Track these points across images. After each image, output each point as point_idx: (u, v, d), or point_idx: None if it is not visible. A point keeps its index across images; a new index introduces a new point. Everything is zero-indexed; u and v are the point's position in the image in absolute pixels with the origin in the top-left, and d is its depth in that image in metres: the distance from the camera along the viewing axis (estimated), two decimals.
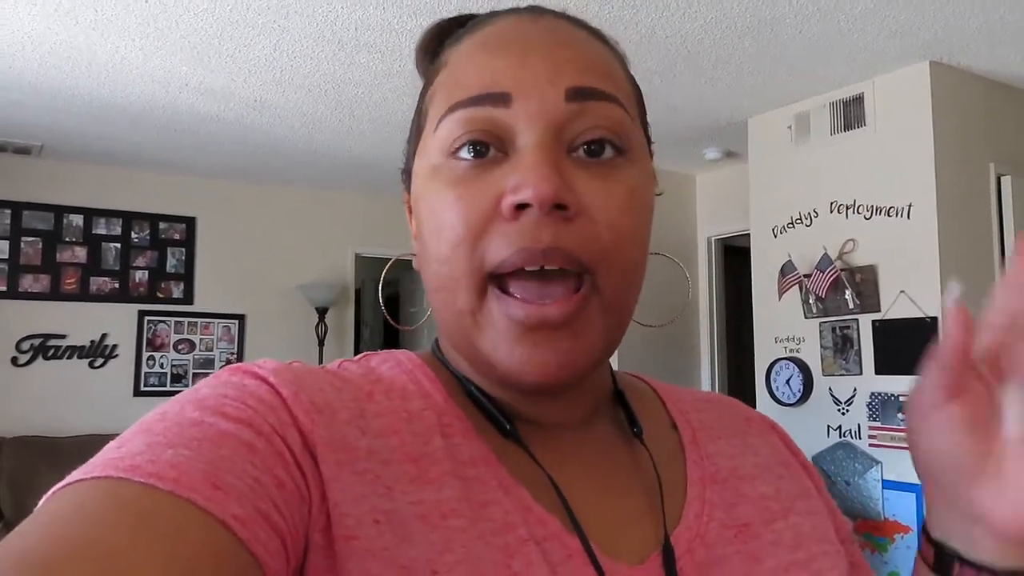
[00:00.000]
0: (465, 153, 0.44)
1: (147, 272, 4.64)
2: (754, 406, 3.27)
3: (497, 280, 0.43)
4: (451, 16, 0.54)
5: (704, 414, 0.56)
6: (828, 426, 3.28)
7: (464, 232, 0.43)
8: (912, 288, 3.02)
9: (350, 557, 0.37)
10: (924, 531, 0.46)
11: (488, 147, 0.43)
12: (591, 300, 0.43)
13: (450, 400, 0.46)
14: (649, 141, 0.50)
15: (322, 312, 4.89)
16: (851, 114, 3.29)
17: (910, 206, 3.05)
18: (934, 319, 2.94)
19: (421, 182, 0.47)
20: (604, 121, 0.44)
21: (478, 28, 0.48)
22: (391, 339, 7.01)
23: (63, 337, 4.39)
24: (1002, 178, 3.18)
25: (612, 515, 0.46)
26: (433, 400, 0.46)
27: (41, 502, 0.35)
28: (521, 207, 0.41)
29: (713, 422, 0.55)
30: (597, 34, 0.50)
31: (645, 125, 0.50)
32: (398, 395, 0.46)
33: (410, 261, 0.54)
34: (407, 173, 0.52)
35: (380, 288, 0.64)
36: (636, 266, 0.45)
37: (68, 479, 0.35)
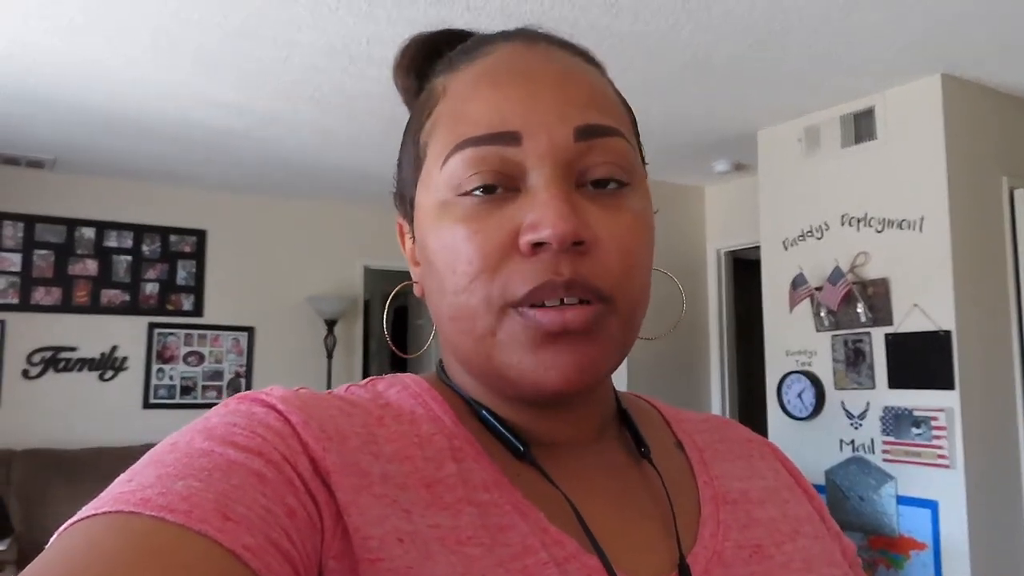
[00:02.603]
0: (476, 190, 0.44)
1: (157, 284, 4.67)
2: (765, 420, 3.22)
3: (515, 305, 0.44)
4: (432, 32, 0.53)
5: (708, 435, 0.56)
6: (841, 440, 3.25)
7: (481, 266, 0.43)
8: (925, 301, 3.00)
9: None
10: None
11: (499, 183, 0.44)
12: (607, 315, 0.44)
13: (459, 424, 0.47)
14: (643, 161, 0.51)
15: (331, 324, 4.90)
16: (862, 127, 3.28)
17: (922, 219, 3.03)
18: (947, 332, 2.92)
19: (428, 217, 0.47)
20: (611, 157, 0.45)
21: (475, 56, 0.48)
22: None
23: (74, 350, 4.41)
24: (1015, 191, 3.16)
25: (628, 534, 0.46)
26: (443, 424, 0.46)
27: (53, 538, 0.35)
28: (539, 244, 0.42)
29: (717, 444, 0.56)
30: (588, 58, 0.50)
31: (639, 145, 0.51)
32: (407, 419, 0.46)
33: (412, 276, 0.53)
34: (402, 199, 0.52)
35: (385, 317, 0.64)
36: (644, 286, 0.47)
37: (79, 515, 0.35)
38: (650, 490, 0.49)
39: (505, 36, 0.49)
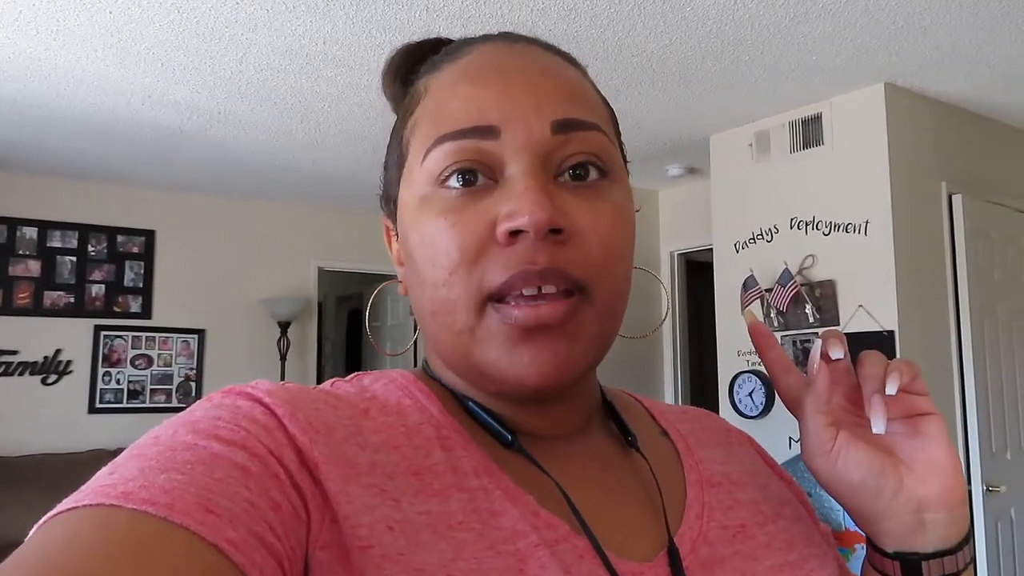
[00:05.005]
0: (454, 182, 0.45)
1: (104, 286, 4.54)
2: None
3: (494, 299, 0.44)
4: (418, 40, 0.54)
5: (689, 424, 0.58)
6: (790, 438, 3.33)
7: (460, 257, 0.44)
8: (869, 302, 3.10)
9: (368, 566, 0.37)
10: (878, 554, 0.49)
11: (477, 175, 0.44)
12: (583, 308, 0.44)
13: (447, 414, 0.47)
14: (625, 159, 0.51)
15: (284, 326, 4.83)
16: (810, 133, 3.38)
17: (867, 223, 3.13)
18: (891, 332, 3.02)
19: (409, 212, 0.47)
20: (588, 148, 0.45)
21: (456, 57, 0.49)
22: (353, 354, 6.95)
23: (15, 353, 4.26)
24: (953, 196, 3.28)
25: (617, 518, 0.47)
26: (430, 414, 0.47)
27: (32, 531, 0.34)
28: (515, 233, 0.43)
29: (699, 432, 0.57)
30: (569, 59, 0.51)
31: (621, 144, 0.51)
32: (394, 411, 0.46)
33: (383, 276, 0.54)
34: (387, 200, 0.52)
35: (367, 318, 0.63)
36: (624, 279, 0.47)
37: (60, 507, 0.34)
38: (637, 476, 0.50)
39: (486, 38, 0.50)
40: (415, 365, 0.56)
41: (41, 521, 0.34)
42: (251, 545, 0.34)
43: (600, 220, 0.44)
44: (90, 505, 0.33)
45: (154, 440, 0.38)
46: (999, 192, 3.53)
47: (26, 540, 0.33)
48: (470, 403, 0.48)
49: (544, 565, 0.40)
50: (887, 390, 0.47)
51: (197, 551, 0.32)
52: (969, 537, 0.49)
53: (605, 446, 0.51)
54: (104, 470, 0.37)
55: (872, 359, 0.49)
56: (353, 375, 0.50)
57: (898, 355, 2.99)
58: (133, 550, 0.31)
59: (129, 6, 2.44)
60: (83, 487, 0.35)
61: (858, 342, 3.11)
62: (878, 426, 0.47)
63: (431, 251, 0.45)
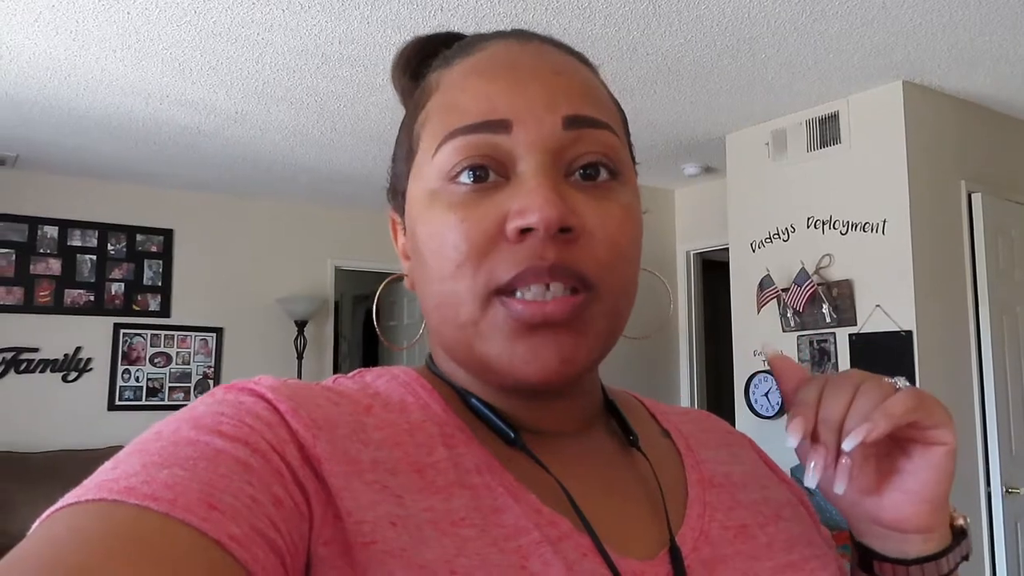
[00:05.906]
0: (465, 178, 0.44)
1: (123, 284, 4.59)
2: (733, 419, 3.29)
3: (501, 293, 0.44)
4: (430, 34, 0.54)
5: (691, 425, 0.58)
6: None
7: (468, 251, 0.43)
8: (887, 302, 3.07)
9: (371, 562, 0.37)
10: (851, 539, 0.52)
11: (488, 172, 0.44)
12: (592, 306, 0.44)
13: (449, 411, 0.47)
14: (634, 160, 0.51)
15: (301, 325, 4.87)
16: (827, 131, 3.35)
17: (885, 222, 3.11)
18: (909, 332, 2.99)
19: (418, 206, 0.47)
20: (599, 147, 0.45)
21: (468, 52, 0.49)
22: (370, 352, 6.98)
23: (36, 350, 4.32)
24: (972, 195, 3.25)
25: (619, 516, 0.47)
26: (432, 411, 0.47)
27: (34, 526, 0.34)
28: (525, 231, 0.43)
29: (700, 433, 0.57)
30: (582, 59, 0.51)
31: (630, 145, 0.51)
32: (396, 408, 0.46)
33: (390, 275, 0.54)
34: (395, 193, 0.52)
35: (375, 313, 0.63)
36: (631, 280, 0.47)
37: (61, 502, 0.34)
38: (639, 476, 0.50)
39: (500, 34, 0.50)
40: None
41: (43, 516, 0.34)
42: (253, 541, 0.34)
43: (609, 220, 0.44)
44: (92, 500, 0.34)
45: (156, 435, 0.38)
46: (1019, 191, 3.48)
47: (28, 535, 0.33)
48: (473, 399, 0.48)
49: (547, 562, 0.40)
50: (844, 445, 0.45)
51: (199, 547, 0.32)
52: (951, 548, 0.49)
53: (607, 444, 0.51)
54: (107, 465, 0.37)
55: (833, 392, 0.46)
56: (356, 371, 0.50)
57: (916, 356, 2.96)
58: (135, 546, 0.31)
59: (147, 7, 2.47)
60: (85, 482, 0.35)
61: (876, 342, 3.08)
62: (839, 487, 0.46)
63: (439, 245, 0.45)
